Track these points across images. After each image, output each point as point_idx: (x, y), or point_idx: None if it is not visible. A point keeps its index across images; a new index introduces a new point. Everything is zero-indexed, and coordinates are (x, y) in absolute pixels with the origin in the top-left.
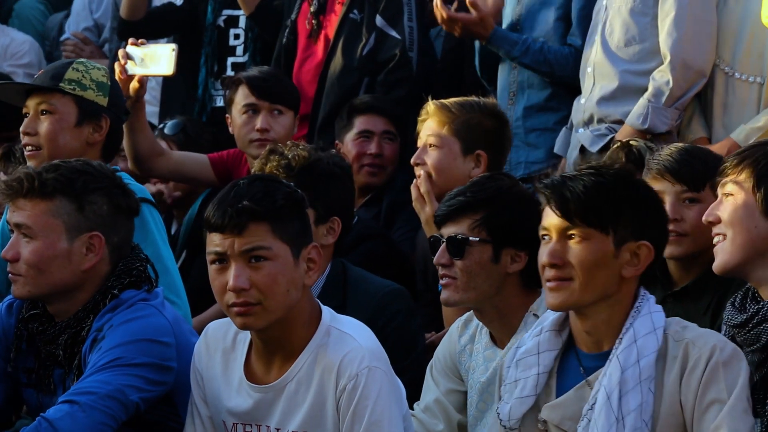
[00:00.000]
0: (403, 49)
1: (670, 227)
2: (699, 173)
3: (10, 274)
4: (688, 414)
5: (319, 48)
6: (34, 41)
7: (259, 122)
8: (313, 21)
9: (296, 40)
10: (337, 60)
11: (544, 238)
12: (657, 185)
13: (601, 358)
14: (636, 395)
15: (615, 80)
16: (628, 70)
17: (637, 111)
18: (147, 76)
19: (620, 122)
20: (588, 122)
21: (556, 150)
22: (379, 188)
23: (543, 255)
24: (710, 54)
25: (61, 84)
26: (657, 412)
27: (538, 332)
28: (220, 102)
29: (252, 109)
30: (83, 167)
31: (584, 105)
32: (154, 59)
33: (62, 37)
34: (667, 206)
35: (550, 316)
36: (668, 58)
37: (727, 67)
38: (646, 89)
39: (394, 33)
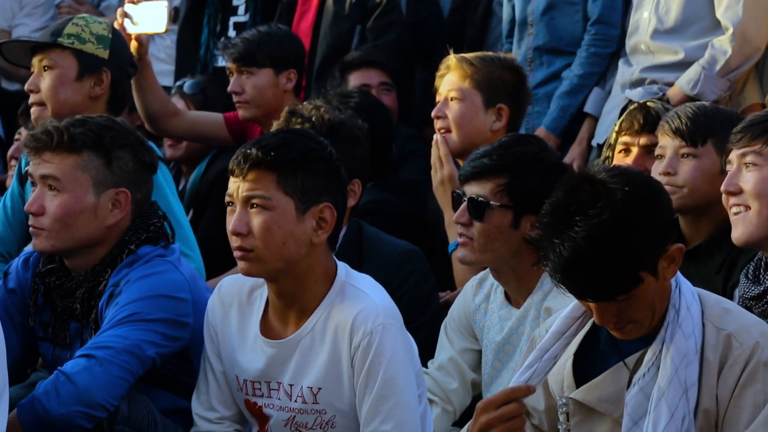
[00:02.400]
0: None
1: (664, 180)
2: (699, 130)
3: (32, 228)
4: (721, 408)
5: (315, 1)
6: None
7: (230, 86)
8: None
9: None
10: (329, 9)
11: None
12: (662, 140)
13: (638, 343)
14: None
15: (678, 56)
16: (689, 46)
17: (688, 75)
18: (144, 35)
19: (673, 84)
20: (636, 84)
21: (586, 109)
22: None
23: (595, 318)
24: (767, 28)
25: (60, 39)
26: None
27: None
28: (221, 62)
29: (231, 73)
30: (109, 123)
31: (634, 69)
32: (148, 17)
33: (56, 1)
34: (665, 160)
35: None
36: (730, 30)
37: None
38: None
39: None
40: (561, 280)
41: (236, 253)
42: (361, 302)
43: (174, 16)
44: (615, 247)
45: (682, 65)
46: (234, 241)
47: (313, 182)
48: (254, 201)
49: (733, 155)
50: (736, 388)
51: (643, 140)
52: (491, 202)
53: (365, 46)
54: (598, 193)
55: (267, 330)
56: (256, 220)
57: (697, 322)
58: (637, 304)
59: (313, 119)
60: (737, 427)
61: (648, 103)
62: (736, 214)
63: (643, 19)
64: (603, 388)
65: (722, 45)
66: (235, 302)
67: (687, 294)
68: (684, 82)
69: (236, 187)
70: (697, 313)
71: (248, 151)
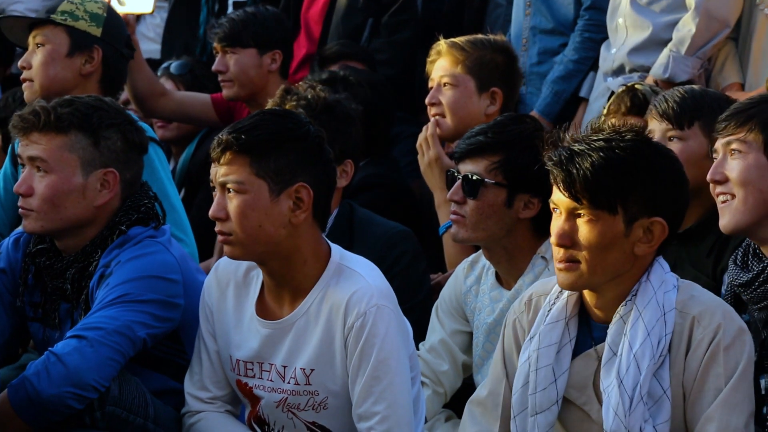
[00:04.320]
0: None
1: None
2: (686, 112)
3: (21, 209)
4: (686, 393)
5: None
6: None
7: (214, 65)
8: None
9: None
10: (342, 0)
11: (554, 211)
12: (651, 124)
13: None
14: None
15: (646, 32)
16: (659, 22)
17: (659, 61)
18: (131, 15)
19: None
20: (618, 71)
21: (582, 93)
22: None
23: (552, 233)
24: (736, 4)
25: (53, 15)
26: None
27: (554, 301)
28: None
29: (217, 53)
30: (96, 103)
31: (614, 55)
32: None
33: None
34: None
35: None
36: (692, 7)
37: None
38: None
39: None
40: (555, 163)
41: (219, 238)
42: (355, 283)
43: None
44: (616, 164)
45: (650, 44)
46: (216, 226)
47: (287, 162)
48: (228, 186)
49: (719, 144)
50: (699, 372)
51: (630, 122)
52: (485, 180)
53: (377, 41)
54: (637, 131)
55: (263, 310)
56: (231, 204)
57: (669, 311)
58: (593, 237)
59: (309, 97)
60: (700, 411)
61: (636, 86)
62: (723, 202)
63: None
64: (571, 375)
65: (686, 24)
66: (232, 282)
67: (657, 279)
68: (656, 68)
69: (214, 172)
70: (670, 304)
71: (221, 136)
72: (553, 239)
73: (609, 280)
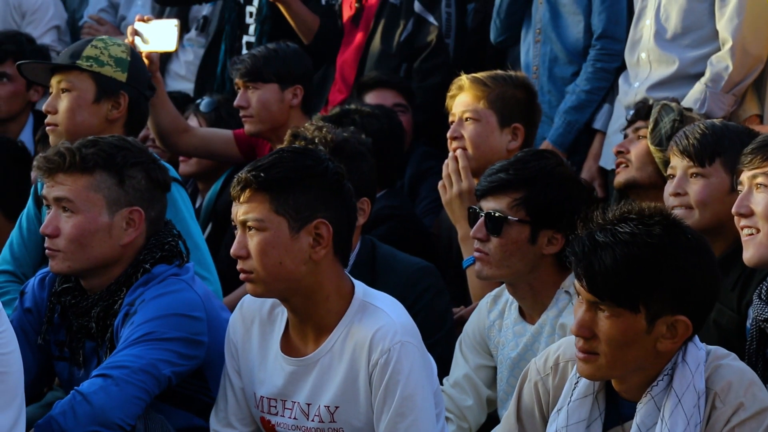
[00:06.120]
0: (440, 35)
1: (675, 201)
2: (707, 149)
3: (47, 250)
4: None
5: (360, 33)
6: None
7: (236, 100)
8: (356, 4)
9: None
10: (376, 45)
11: (576, 296)
12: (672, 161)
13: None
14: None
15: (672, 66)
16: (687, 57)
17: (693, 96)
18: (154, 53)
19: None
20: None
21: (597, 126)
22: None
23: (574, 322)
24: (767, 39)
25: (79, 61)
26: None
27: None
28: None
29: (239, 88)
30: (120, 142)
31: (636, 88)
32: (158, 35)
33: (80, 23)
34: (675, 180)
35: None
36: (728, 44)
37: None
38: (700, 74)
39: (431, 19)
40: (578, 256)
41: (241, 276)
42: (379, 320)
43: (203, 25)
44: (640, 261)
45: (676, 79)
46: (238, 264)
47: (307, 199)
48: (249, 224)
49: (744, 176)
50: None
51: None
52: (509, 217)
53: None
54: (665, 218)
55: (288, 347)
56: (252, 242)
57: (701, 396)
58: (613, 334)
59: (316, 140)
60: None
61: (673, 105)
62: (747, 235)
63: (645, 27)
64: None
65: (722, 60)
66: (257, 319)
67: (692, 366)
68: (690, 103)
69: (235, 210)
70: (700, 385)
71: (241, 174)
72: (573, 329)
73: (631, 372)
